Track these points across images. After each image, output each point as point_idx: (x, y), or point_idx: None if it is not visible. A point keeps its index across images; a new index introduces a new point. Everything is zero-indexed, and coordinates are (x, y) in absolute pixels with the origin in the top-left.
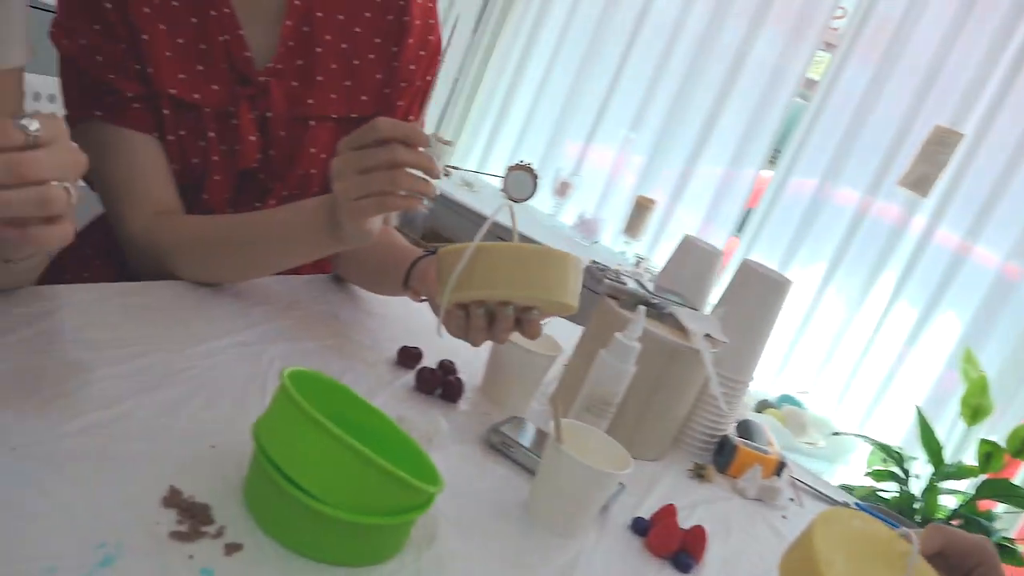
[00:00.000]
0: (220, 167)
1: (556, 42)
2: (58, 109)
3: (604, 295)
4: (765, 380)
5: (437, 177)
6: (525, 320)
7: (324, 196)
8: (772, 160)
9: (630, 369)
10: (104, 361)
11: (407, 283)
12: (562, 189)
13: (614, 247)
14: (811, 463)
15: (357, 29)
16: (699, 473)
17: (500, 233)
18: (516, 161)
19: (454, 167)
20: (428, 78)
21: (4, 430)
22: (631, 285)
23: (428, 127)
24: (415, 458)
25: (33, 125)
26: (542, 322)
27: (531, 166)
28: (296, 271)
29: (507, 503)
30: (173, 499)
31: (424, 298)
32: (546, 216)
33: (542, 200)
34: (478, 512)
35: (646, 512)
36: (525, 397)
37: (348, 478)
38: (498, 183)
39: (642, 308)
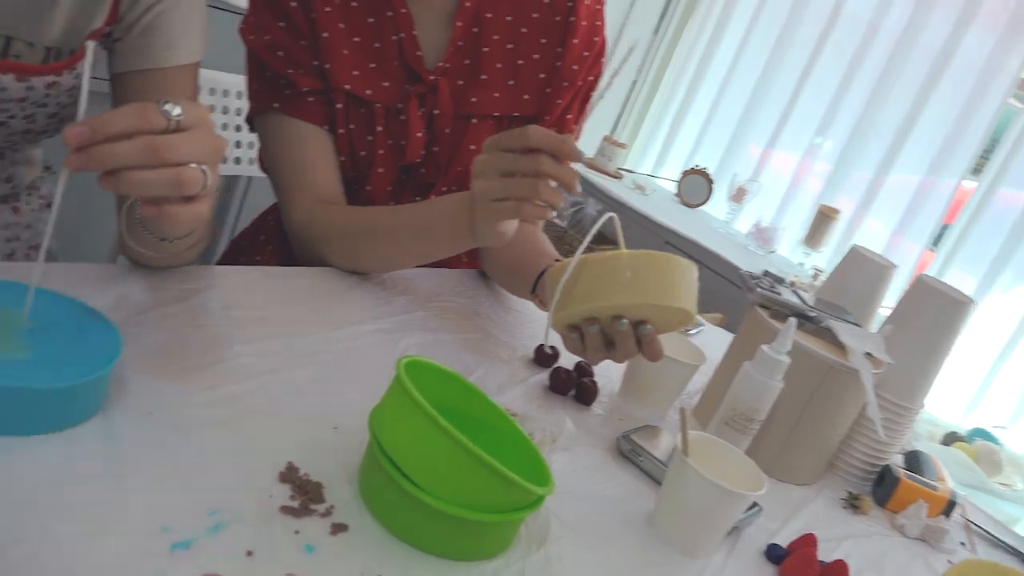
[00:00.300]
0: (385, 160)
1: (740, 42)
2: (244, 104)
3: (754, 304)
4: (956, 410)
5: (575, 193)
6: (642, 338)
7: (465, 192)
8: (976, 169)
9: (776, 385)
10: (246, 338)
11: (535, 290)
12: (739, 195)
13: (792, 258)
14: (1005, 506)
15: (524, 29)
16: (853, 503)
17: (682, 245)
18: (692, 165)
19: (627, 170)
20: (590, 78)
21: (144, 395)
22: (786, 295)
23: (603, 129)
24: (529, 457)
25: (175, 110)
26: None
27: (707, 171)
28: (447, 264)
29: (630, 513)
30: (289, 475)
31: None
32: (720, 223)
33: (717, 206)
34: (597, 519)
35: (784, 539)
36: (663, 406)
37: (453, 472)
38: (671, 187)
39: (792, 320)
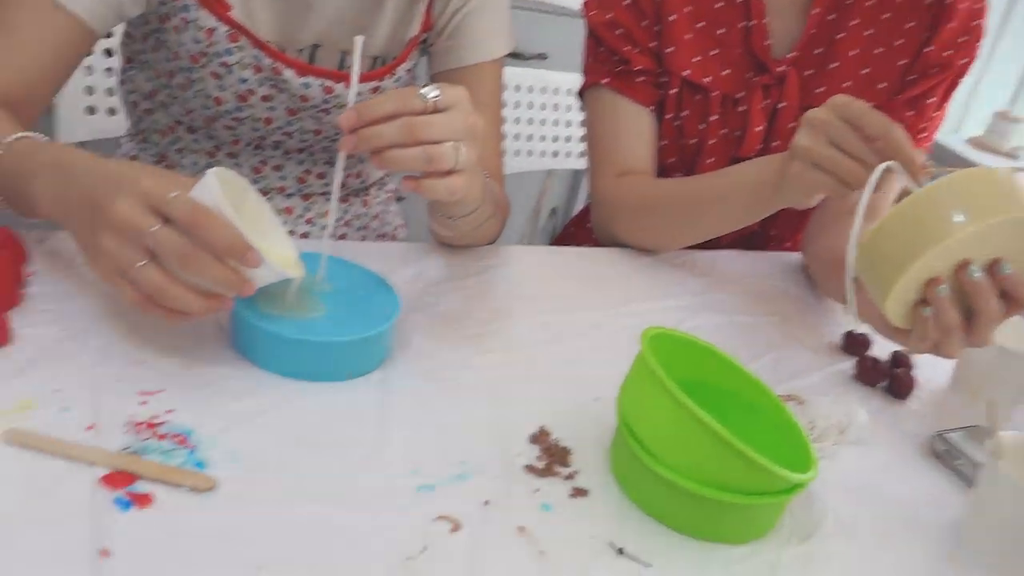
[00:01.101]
0: (715, 150)
1: None
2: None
3: None
4: None
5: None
6: (1007, 284)
7: (776, 155)
8: None
9: None
10: (528, 312)
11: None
12: None
13: None
14: None
15: (887, 14)
16: None
17: None
18: None
19: None
20: (962, 62)
21: (422, 357)
22: None
23: (996, 103)
24: (794, 442)
25: (432, 93)
26: None
27: None
28: (761, 247)
29: (931, 521)
30: (540, 438)
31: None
32: None
33: None
34: (885, 522)
35: None
36: (998, 405)
37: (691, 448)
38: None
39: None
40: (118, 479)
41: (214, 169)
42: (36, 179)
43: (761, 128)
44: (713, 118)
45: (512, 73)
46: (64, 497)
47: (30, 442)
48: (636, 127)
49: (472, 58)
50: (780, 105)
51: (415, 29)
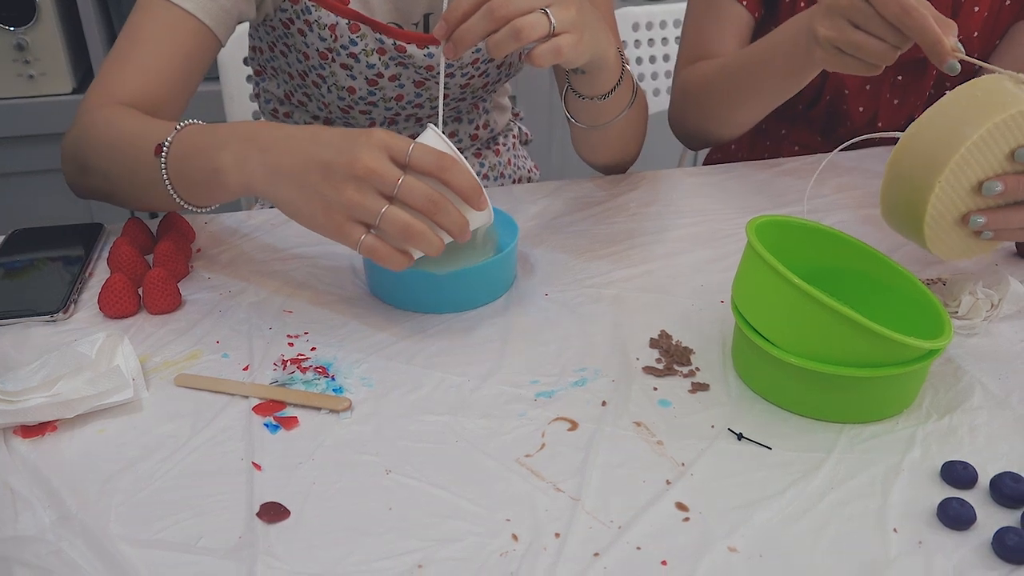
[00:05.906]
0: None
1: None
2: None
3: None
4: None
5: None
6: None
7: (804, 17)
8: None
9: None
10: (652, 229)
11: None
12: None
13: None
14: None
15: None
16: None
17: None
18: None
19: None
20: None
21: (545, 280)
22: None
23: None
24: (931, 315)
25: None
26: None
27: None
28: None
29: None
30: (660, 341)
31: None
32: None
33: None
34: None
35: None
36: None
37: (806, 325)
38: None
39: None
40: (268, 407)
41: (431, 124)
42: (223, 152)
43: None
44: None
45: (652, 11)
46: (224, 424)
47: (196, 383)
48: (720, 17)
49: None
50: None
51: None
